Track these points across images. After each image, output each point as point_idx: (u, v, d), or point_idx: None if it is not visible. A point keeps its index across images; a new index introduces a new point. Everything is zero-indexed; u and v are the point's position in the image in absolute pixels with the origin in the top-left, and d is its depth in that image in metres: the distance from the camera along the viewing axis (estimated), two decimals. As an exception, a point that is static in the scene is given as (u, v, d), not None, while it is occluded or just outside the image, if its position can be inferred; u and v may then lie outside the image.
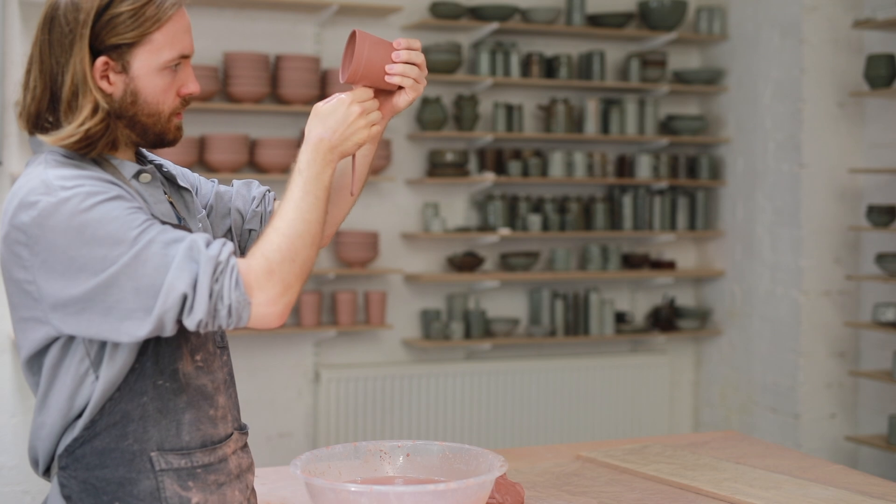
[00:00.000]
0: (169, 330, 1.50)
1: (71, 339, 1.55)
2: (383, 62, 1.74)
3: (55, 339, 1.56)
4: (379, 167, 4.87)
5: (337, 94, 1.70)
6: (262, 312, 1.52)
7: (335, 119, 1.65)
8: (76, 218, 1.48)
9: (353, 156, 1.80)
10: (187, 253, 1.48)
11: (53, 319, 1.52)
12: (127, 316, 1.48)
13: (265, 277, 1.52)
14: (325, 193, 1.62)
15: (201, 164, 4.67)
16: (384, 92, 1.79)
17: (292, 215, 1.57)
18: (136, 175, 1.64)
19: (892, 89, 4.64)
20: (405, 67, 1.76)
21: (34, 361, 1.60)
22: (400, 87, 1.78)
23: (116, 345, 1.55)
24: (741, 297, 5.37)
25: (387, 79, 1.75)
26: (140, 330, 1.49)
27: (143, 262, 1.47)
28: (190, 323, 1.49)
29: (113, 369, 1.56)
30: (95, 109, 1.56)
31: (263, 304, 1.52)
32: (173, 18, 1.59)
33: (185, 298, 1.47)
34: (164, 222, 1.62)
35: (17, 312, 1.58)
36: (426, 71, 1.80)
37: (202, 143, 4.64)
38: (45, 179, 1.52)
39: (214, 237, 1.85)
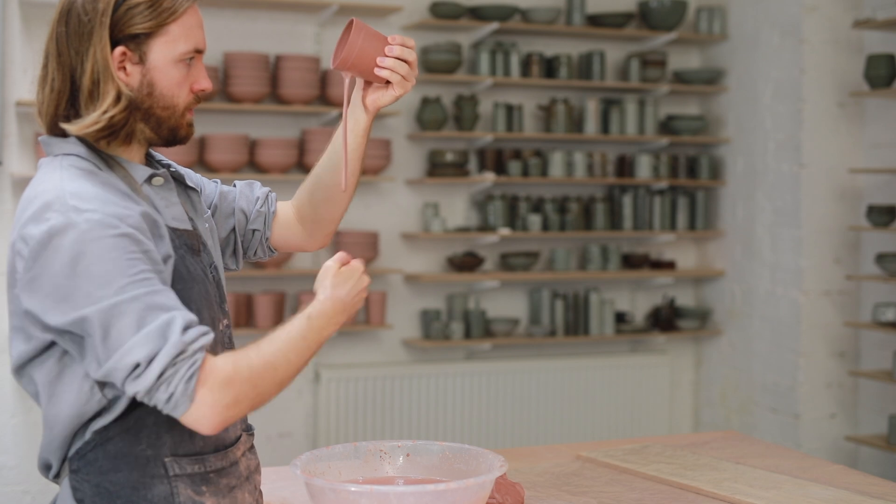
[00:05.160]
0: (118, 385, 1.48)
1: (64, 355, 1.54)
2: (376, 54, 1.75)
3: (43, 353, 1.55)
4: (379, 167, 4.87)
5: (354, 260, 1.69)
6: (199, 413, 1.48)
7: (352, 284, 1.66)
8: (77, 246, 1.47)
9: (345, 149, 1.82)
10: (162, 327, 1.46)
11: (30, 328, 1.53)
12: (89, 354, 1.48)
13: (223, 383, 1.49)
14: (317, 347, 1.61)
15: (201, 164, 4.67)
16: (372, 85, 1.81)
17: (280, 347, 1.56)
18: (150, 179, 1.64)
19: (892, 89, 4.64)
20: (396, 63, 1.76)
21: (23, 372, 1.59)
22: (388, 83, 1.80)
23: None
24: (741, 297, 5.37)
25: (376, 71, 1.76)
26: (95, 373, 1.49)
27: (119, 314, 1.45)
28: (128, 389, 1.47)
29: None
30: (118, 97, 1.57)
31: (205, 406, 1.48)
32: (188, 12, 1.61)
33: (136, 367, 1.45)
34: (176, 229, 1.62)
35: (11, 319, 1.58)
36: (416, 71, 1.81)
37: (202, 143, 4.64)
38: (62, 195, 1.51)
39: (218, 237, 1.85)
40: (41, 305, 1.49)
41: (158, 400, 1.47)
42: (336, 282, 1.65)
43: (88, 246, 1.47)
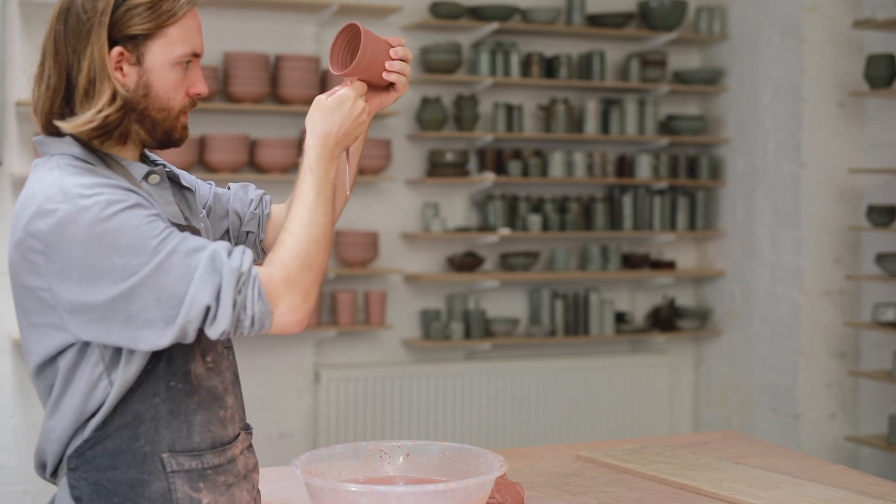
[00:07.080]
0: (191, 338, 1.52)
1: (86, 344, 1.55)
2: (382, 59, 1.76)
3: (71, 345, 1.55)
4: (379, 167, 4.87)
5: (338, 87, 1.72)
6: (283, 321, 1.55)
7: (342, 114, 1.68)
8: (96, 227, 1.48)
9: (347, 154, 1.82)
10: (209, 263, 1.49)
11: (71, 325, 1.52)
12: (147, 325, 1.49)
13: (285, 287, 1.54)
14: (333, 192, 1.65)
15: (201, 164, 4.67)
16: (372, 87, 1.81)
17: (308, 219, 1.59)
18: (146, 176, 1.65)
19: (892, 89, 4.64)
20: (402, 65, 1.78)
21: (46, 366, 1.59)
22: (390, 85, 1.80)
23: (133, 350, 1.55)
24: (741, 297, 5.37)
25: (384, 76, 1.77)
26: (161, 339, 1.50)
27: (165, 272, 1.48)
28: (213, 333, 1.51)
29: (129, 373, 1.56)
30: (114, 97, 1.58)
31: (285, 313, 1.54)
32: (188, 15, 1.63)
33: (208, 310, 1.49)
34: (174, 224, 1.63)
35: (29, 318, 1.57)
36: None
37: (202, 143, 4.64)
38: (63, 187, 1.51)
39: (213, 238, 1.86)
40: (76, 289, 1.49)
41: (244, 327, 1.52)
42: (321, 115, 1.67)
43: (106, 224, 1.48)
